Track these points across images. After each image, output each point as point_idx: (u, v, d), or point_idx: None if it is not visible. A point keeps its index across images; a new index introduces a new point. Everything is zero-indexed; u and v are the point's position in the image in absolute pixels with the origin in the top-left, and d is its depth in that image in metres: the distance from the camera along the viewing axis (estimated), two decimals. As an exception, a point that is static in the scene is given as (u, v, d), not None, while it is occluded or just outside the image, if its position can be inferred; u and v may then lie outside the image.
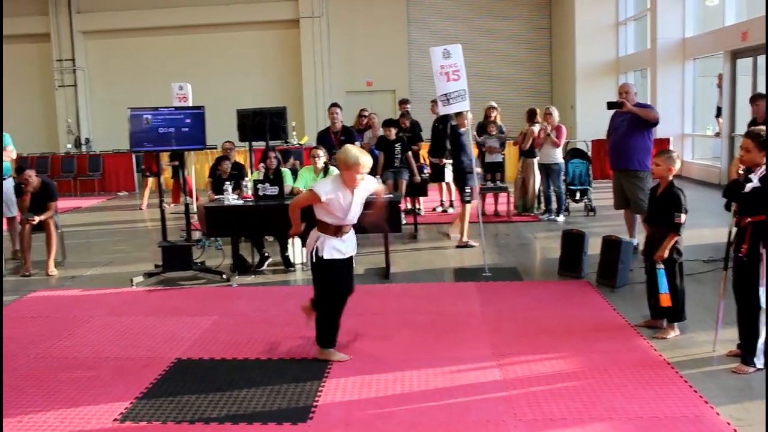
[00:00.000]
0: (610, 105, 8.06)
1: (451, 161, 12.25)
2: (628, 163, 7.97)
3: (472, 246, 9.04)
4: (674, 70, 16.41)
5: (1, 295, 6.15)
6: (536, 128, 11.10)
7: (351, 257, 5.22)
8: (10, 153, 9.50)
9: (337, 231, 5.02)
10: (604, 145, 15.35)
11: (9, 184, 9.26)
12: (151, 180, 14.47)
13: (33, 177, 8.67)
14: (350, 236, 5.17)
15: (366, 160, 4.94)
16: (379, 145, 10.79)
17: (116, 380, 4.91)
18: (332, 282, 5.10)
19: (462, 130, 9.14)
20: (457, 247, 9.14)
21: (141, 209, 14.59)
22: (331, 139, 10.19)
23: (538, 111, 11.55)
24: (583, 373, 4.75)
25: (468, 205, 9.16)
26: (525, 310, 6.31)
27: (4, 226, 9.72)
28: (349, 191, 4.98)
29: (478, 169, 9.99)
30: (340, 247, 5.05)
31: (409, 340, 5.57)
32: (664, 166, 5.44)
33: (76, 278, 8.31)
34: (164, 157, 13.76)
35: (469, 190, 9.15)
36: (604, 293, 6.71)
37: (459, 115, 8.92)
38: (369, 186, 5.19)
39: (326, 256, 5.00)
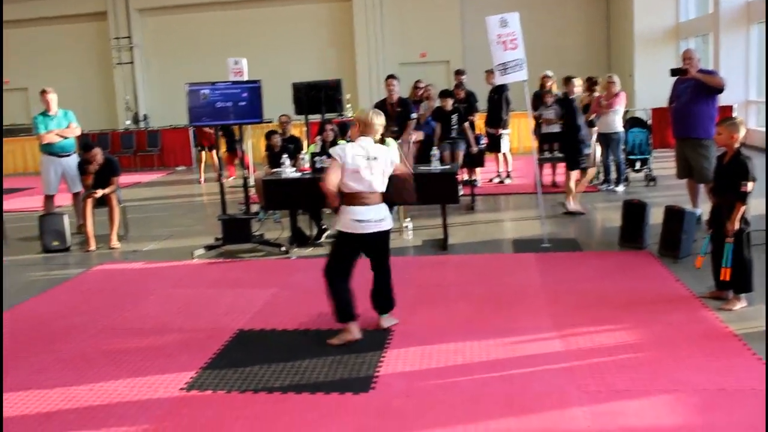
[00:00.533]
0: (674, 72, 7.85)
1: (508, 131, 12.15)
2: (692, 131, 7.76)
3: (581, 213, 9.03)
4: (738, 35, 15.88)
5: (1, 291, 6.28)
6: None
7: (383, 231, 5.04)
8: (75, 130, 9.69)
9: (360, 199, 4.90)
10: (664, 114, 15.00)
11: (73, 160, 9.46)
12: (205, 154, 14.65)
13: (99, 155, 8.82)
14: (377, 208, 4.98)
15: (378, 120, 5.01)
16: (436, 116, 10.72)
17: (181, 350, 5.01)
18: (337, 254, 5.05)
19: (572, 97, 9.17)
20: (565, 213, 9.11)
21: (199, 183, 14.78)
22: (388, 111, 10.14)
23: (599, 80, 11.27)
24: (647, 345, 4.67)
25: (577, 173, 9.23)
26: (585, 281, 6.23)
27: (69, 201, 9.98)
28: (367, 153, 4.93)
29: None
30: (366, 216, 4.91)
31: (469, 312, 5.55)
32: (726, 134, 5.28)
33: (138, 252, 8.47)
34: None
35: (584, 158, 9.17)
36: (666, 264, 6.57)
37: (568, 82, 9.09)
38: (393, 156, 5.15)
39: (343, 228, 4.95)
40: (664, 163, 11.98)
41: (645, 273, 6.40)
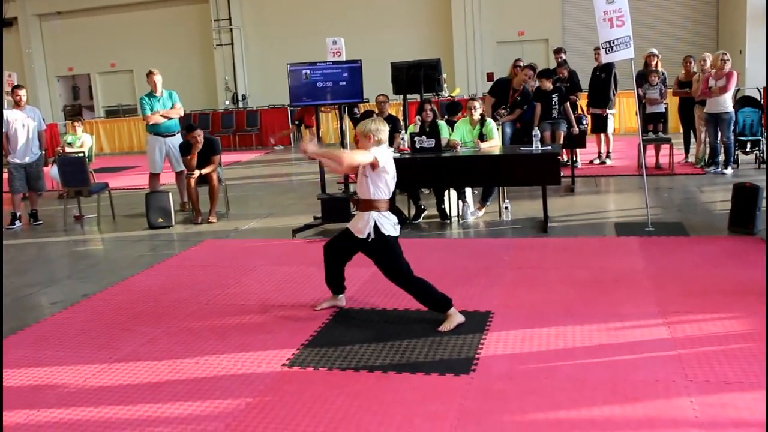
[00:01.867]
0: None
1: (614, 111, 11.83)
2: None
3: None
4: None
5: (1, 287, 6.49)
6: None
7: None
8: (179, 110, 9.97)
9: (389, 205, 5.02)
10: (778, 93, 14.37)
11: (177, 140, 9.74)
12: (307, 132, 14.79)
13: (200, 136, 9.05)
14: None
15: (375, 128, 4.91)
16: (536, 96, 10.54)
17: (282, 327, 5.10)
18: (400, 255, 5.04)
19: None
20: None
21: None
22: (509, 93, 10.12)
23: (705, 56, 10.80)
24: (760, 335, 4.46)
25: None
26: (693, 268, 6.02)
27: (174, 179, 10.29)
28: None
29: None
30: (395, 226, 5.04)
31: (570, 295, 5.44)
32: None
33: (239, 230, 8.66)
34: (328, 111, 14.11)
35: None
36: (780, 250, 6.29)
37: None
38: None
39: (391, 232, 4.97)
40: (776, 144, 11.43)
41: (756, 260, 6.12)
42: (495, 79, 11.37)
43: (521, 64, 11.87)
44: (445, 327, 4.84)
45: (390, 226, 4.95)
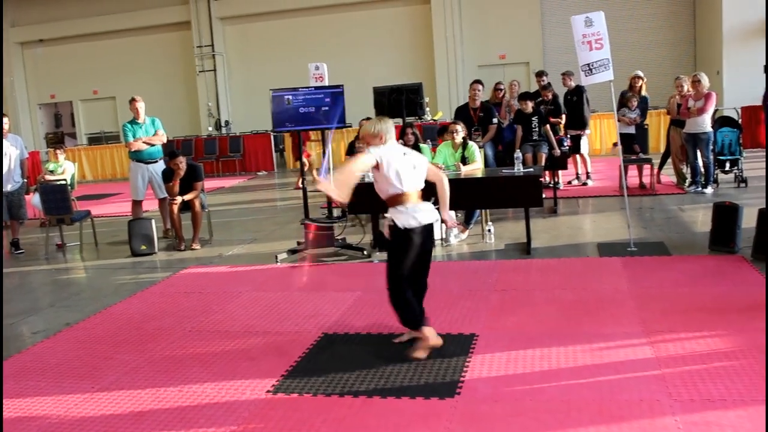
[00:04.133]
0: None
1: (587, 132, 11.92)
2: (788, 129, 7.47)
3: None
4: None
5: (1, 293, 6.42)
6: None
7: (431, 224, 4.84)
8: (161, 137, 9.96)
9: (403, 199, 4.72)
10: (755, 112, 14.59)
11: (160, 166, 9.72)
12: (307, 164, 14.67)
13: (183, 163, 9.04)
14: (423, 206, 4.80)
15: (378, 127, 4.79)
16: (517, 118, 10.63)
17: (266, 354, 5.07)
18: (407, 251, 4.76)
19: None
20: None
21: (297, 188, 14.54)
22: (470, 115, 10.13)
23: (682, 78, 10.96)
24: (742, 353, 4.49)
25: None
26: (675, 286, 6.05)
27: (156, 206, 10.26)
28: (399, 154, 4.79)
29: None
30: (416, 215, 4.72)
31: (555, 316, 5.45)
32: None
33: (223, 256, 8.64)
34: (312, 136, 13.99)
35: None
36: (760, 269, 6.32)
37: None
38: (421, 158, 4.99)
39: (405, 223, 4.70)
40: (755, 163, 11.57)
41: (738, 278, 6.18)
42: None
43: (502, 86, 11.98)
44: (420, 353, 4.75)
45: (405, 217, 4.71)
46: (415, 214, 4.71)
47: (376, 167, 4.71)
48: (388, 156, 4.72)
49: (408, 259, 4.76)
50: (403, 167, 4.74)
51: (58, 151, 12.67)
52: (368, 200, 8.05)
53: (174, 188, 8.99)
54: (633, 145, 10.97)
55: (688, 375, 4.22)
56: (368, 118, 10.83)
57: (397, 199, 4.74)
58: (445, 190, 5.00)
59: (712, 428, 3.58)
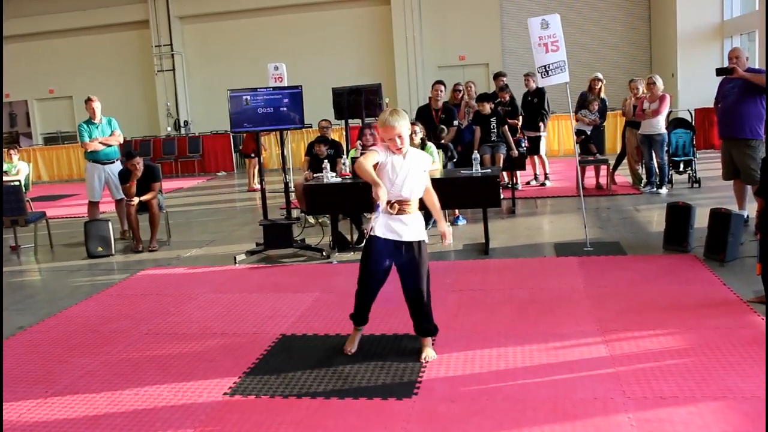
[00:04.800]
0: (720, 71, 7.71)
1: (545, 133, 12.07)
2: (739, 131, 7.61)
3: None
4: (785, 33, 15.55)
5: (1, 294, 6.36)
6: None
7: (412, 243, 4.62)
8: (118, 138, 9.85)
9: (390, 206, 4.51)
10: (708, 114, 14.88)
11: (117, 167, 9.61)
12: (253, 160, 14.66)
13: (140, 164, 8.95)
14: (411, 219, 4.61)
15: (395, 120, 4.42)
16: (475, 119, 10.70)
17: (224, 355, 5.04)
18: (369, 263, 4.66)
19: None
20: None
21: (252, 190, 14.48)
22: (432, 116, 10.17)
23: (637, 81, 11.15)
24: (694, 350, 4.58)
25: None
26: (630, 285, 6.15)
27: (113, 207, 10.14)
28: (401, 156, 4.51)
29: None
30: (397, 228, 4.55)
31: (512, 316, 5.51)
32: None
33: (181, 257, 8.56)
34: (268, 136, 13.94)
35: None
36: (712, 268, 6.46)
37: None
38: (425, 160, 4.71)
39: (377, 231, 4.55)
40: (708, 164, 11.81)
41: (691, 277, 6.30)
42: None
43: (460, 87, 12.06)
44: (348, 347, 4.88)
45: (376, 224, 4.55)
46: (382, 222, 4.56)
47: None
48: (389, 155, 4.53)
49: (366, 261, 4.70)
50: (395, 168, 4.53)
51: (12, 152, 12.46)
52: (327, 201, 8.12)
53: (131, 189, 8.89)
54: (589, 145, 11.13)
55: (642, 373, 4.29)
56: (326, 120, 10.88)
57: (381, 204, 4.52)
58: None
59: (664, 425, 3.65)
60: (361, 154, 8.57)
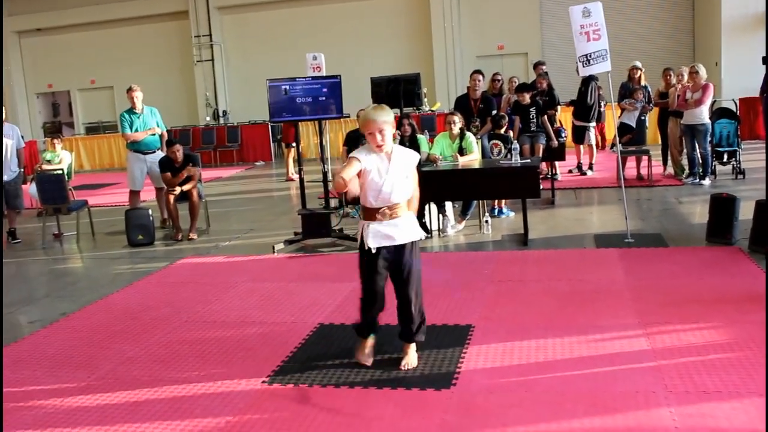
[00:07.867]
0: (766, 60, 7.53)
1: (593, 124, 11.92)
2: (786, 121, 7.45)
3: None
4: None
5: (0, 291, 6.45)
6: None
7: (404, 244, 4.40)
8: (158, 131, 9.92)
9: (379, 213, 4.30)
10: (753, 104, 14.58)
11: (158, 157, 9.70)
12: (291, 149, 14.69)
13: (180, 152, 9.03)
14: (402, 221, 4.37)
15: (377, 115, 4.19)
16: (515, 109, 10.62)
17: (262, 344, 5.07)
18: (368, 282, 4.48)
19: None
20: None
21: (289, 179, 14.45)
22: (471, 106, 10.11)
23: (683, 69, 10.95)
24: (738, 345, 4.49)
25: None
26: (672, 278, 6.05)
27: (154, 195, 10.25)
28: (386, 159, 4.26)
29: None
30: (389, 232, 4.33)
31: (551, 308, 5.45)
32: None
33: (220, 246, 8.63)
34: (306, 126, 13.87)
35: None
36: (757, 261, 6.33)
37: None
38: (411, 160, 4.42)
39: (371, 244, 4.31)
40: (752, 155, 11.56)
41: (735, 270, 6.18)
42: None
43: (499, 77, 11.97)
44: (360, 358, 4.60)
45: (369, 237, 4.32)
46: (372, 235, 4.33)
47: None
48: (372, 160, 4.28)
49: (364, 274, 4.51)
50: (380, 174, 4.28)
51: (55, 141, 12.65)
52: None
53: (174, 180, 8.98)
54: (627, 135, 10.98)
55: (684, 367, 4.22)
56: (363, 110, 10.85)
57: (369, 214, 4.36)
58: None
59: (707, 420, 3.58)
60: (400, 144, 8.55)
